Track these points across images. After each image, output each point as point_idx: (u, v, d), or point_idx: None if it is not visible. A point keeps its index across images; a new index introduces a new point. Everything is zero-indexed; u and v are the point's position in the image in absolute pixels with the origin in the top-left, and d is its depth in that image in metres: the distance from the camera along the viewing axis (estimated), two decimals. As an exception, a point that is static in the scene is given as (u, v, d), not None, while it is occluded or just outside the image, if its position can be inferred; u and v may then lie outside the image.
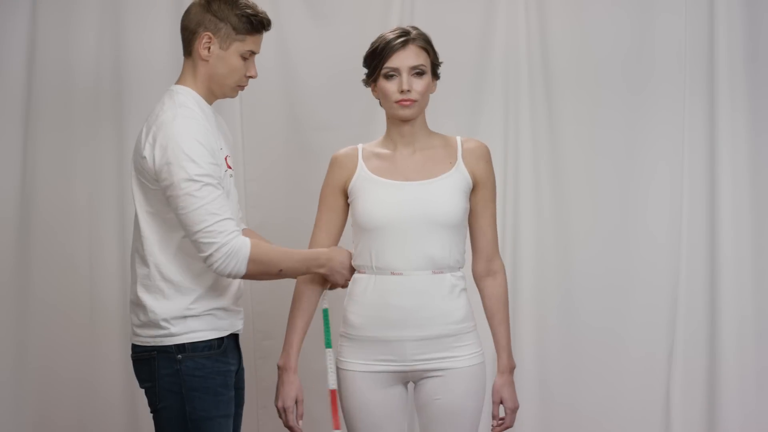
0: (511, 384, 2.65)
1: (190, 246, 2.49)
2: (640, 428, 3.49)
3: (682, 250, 3.46)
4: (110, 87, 3.57)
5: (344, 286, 2.67)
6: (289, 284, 3.59)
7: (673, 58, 3.45)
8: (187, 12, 2.57)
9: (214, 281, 2.55)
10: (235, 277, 2.48)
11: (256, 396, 3.61)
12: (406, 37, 2.58)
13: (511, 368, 2.66)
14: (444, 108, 3.29)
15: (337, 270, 2.64)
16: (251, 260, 2.45)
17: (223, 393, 2.54)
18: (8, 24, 3.56)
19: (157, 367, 2.51)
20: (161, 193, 2.47)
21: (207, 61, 2.53)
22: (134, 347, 2.58)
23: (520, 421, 3.28)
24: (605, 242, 3.50)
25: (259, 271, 2.49)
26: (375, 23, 3.50)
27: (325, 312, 2.70)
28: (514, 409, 2.65)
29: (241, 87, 2.61)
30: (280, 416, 2.66)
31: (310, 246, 2.69)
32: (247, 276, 2.48)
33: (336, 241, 2.70)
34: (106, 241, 3.58)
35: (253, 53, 2.58)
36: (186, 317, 2.50)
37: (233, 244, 2.43)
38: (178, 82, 2.58)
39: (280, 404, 2.65)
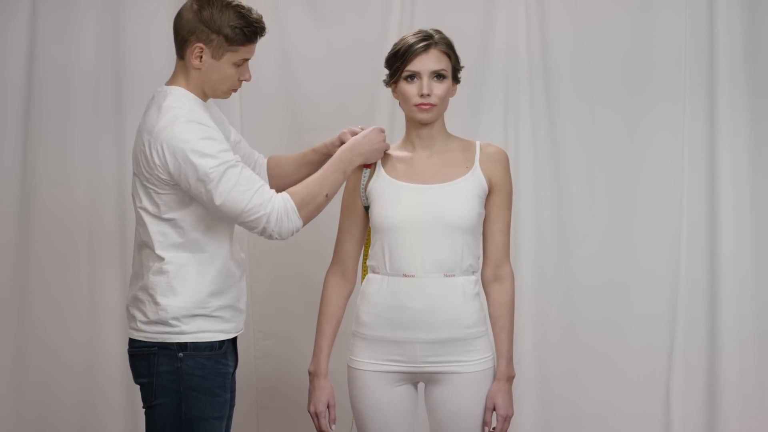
0: (507, 392, 2.63)
1: (195, 245, 2.52)
2: (640, 423, 3.51)
3: (682, 250, 3.47)
4: (110, 87, 3.57)
5: (385, 150, 2.66)
6: (288, 285, 3.60)
7: (672, 58, 3.46)
8: (179, 16, 2.55)
9: (222, 279, 2.56)
10: (296, 232, 2.52)
11: (256, 396, 3.61)
12: (429, 41, 2.59)
13: (509, 376, 2.64)
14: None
15: (369, 148, 2.61)
16: (300, 208, 2.50)
17: (220, 395, 2.55)
18: (8, 24, 3.55)
19: (157, 363, 2.52)
20: (171, 196, 2.49)
21: (199, 69, 2.53)
22: (133, 342, 2.57)
23: (521, 415, 3.29)
24: (605, 241, 3.51)
25: (312, 211, 2.53)
26: (375, 24, 3.52)
27: None
28: (506, 417, 2.62)
29: (235, 90, 2.61)
30: (313, 421, 2.67)
31: (336, 253, 2.71)
32: (306, 222, 2.53)
33: (361, 245, 2.72)
34: (106, 241, 3.58)
35: (246, 60, 2.56)
36: (195, 316, 2.51)
37: (278, 207, 2.47)
38: (169, 83, 2.58)
39: (312, 409, 2.66)
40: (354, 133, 2.71)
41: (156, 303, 2.51)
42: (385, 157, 2.68)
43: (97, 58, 3.56)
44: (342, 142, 2.71)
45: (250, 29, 2.51)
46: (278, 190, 2.78)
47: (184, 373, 2.50)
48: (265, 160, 2.89)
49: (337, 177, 2.58)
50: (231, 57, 2.52)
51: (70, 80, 3.57)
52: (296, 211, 2.50)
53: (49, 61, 3.56)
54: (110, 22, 3.56)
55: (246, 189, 2.44)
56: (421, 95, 2.57)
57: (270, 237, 2.50)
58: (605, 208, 3.51)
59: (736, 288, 3.43)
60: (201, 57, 2.51)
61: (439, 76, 2.59)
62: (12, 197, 3.57)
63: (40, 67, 3.56)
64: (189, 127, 2.44)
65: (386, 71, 2.66)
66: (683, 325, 3.47)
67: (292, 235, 2.52)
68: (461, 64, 2.66)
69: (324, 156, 2.78)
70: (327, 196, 2.55)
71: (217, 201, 2.43)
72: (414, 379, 2.65)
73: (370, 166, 2.68)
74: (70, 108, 3.57)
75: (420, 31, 2.62)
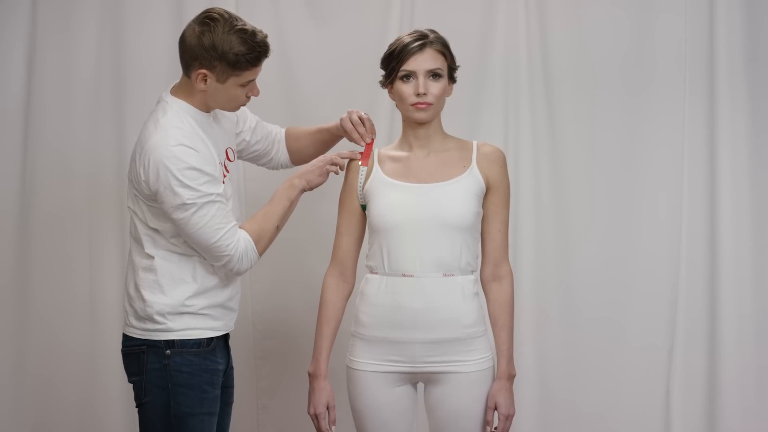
0: (508, 391, 2.62)
1: (181, 249, 2.56)
2: (640, 423, 3.51)
3: (682, 250, 3.47)
4: (110, 87, 3.56)
5: (323, 179, 2.72)
6: (288, 285, 3.60)
7: (673, 58, 3.46)
8: (182, 38, 2.52)
9: (210, 280, 2.60)
10: (252, 266, 2.63)
11: (256, 396, 3.61)
12: (424, 40, 2.59)
13: (510, 375, 2.63)
14: (444, 108, 3.28)
15: (307, 177, 2.68)
16: (257, 244, 2.59)
17: (209, 391, 2.58)
18: (8, 24, 3.55)
19: (146, 361, 2.55)
20: (156, 209, 2.53)
21: (204, 91, 2.52)
22: (126, 339, 2.61)
23: (521, 415, 3.28)
24: (605, 241, 3.51)
25: (265, 246, 2.63)
26: (375, 24, 3.52)
27: None
28: (508, 416, 2.62)
29: (243, 104, 2.62)
30: (313, 422, 2.67)
31: (334, 254, 2.72)
32: (261, 255, 2.63)
33: (359, 244, 2.72)
34: (106, 241, 3.58)
35: (252, 80, 2.55)
36: (183, 314, 2.55)
37: (240, 248, 2.54)
38: (173, 93, 2.57)
39: (311, 411, 2.66)
40: (359, 117, 2.74)
41: (143, 299, 2.56)
42: (382, 156, 2.69)
43: (97, 58, 3.56)
44: (352, 122, 2.75)
45: (252, 55, 2.48)
46: (297, 163, 2.85)
47: (172, 370, 2.53)
48: (284, 132, 2.91)
49: (284, 205, 2.66)
50: (236, 80, 2.51)
51: (70, 80, 3.56)
52: (254, 250, 2.59)
53: (49, 61, 3.56)
54: (110, 22, 3.55)
55: (218, 227, 2.50)
56: (417, 94, 2.58)
57: (230, 272, 2.60)
58: (605, 208, 3.51)
59: (736, 288, 3.43)
60: (205, 81, 2.50)
61: (434, 75, 2.59)
62: (12, 197, 3.57)
63: (40, 67, 3.56)
64: (177, 152, 2.45)
65: (383, 72, 2.66)
66: (683, 325, 3.47)
67: (251, 269, 2.64)
68: (457, 64, 2.66)
69: (336, 136, 2.83)
70: (277, 227, 2.65)
71: (189, 230, 2.49)
72: (413, 379, 2.65)
73: (366, 164, 2.68)
74: (70, 108, 3.57)
75: (415, 31, 2.63)
